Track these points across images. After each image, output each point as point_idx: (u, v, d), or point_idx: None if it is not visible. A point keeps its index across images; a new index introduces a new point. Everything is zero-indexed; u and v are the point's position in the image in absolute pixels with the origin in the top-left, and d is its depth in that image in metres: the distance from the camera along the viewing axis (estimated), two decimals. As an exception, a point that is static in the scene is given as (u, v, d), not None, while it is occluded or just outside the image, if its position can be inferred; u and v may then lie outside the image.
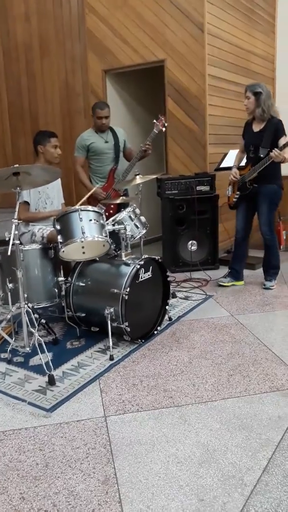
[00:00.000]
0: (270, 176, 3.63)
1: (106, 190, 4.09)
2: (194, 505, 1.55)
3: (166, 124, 3.95)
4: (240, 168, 3.84)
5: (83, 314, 2.95)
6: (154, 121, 3.91)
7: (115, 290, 2.73)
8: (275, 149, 3.41)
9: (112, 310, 2.71)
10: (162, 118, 3.92)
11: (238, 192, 3.81)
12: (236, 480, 1.66)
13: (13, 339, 2.80)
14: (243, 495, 1.59)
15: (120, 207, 3.96)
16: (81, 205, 3.41)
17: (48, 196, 3.41)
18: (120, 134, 4.17)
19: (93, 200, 4.01)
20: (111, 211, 4.00)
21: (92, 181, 4.20)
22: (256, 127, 3.65)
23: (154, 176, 3.66)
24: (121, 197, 3.60)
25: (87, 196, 3.57)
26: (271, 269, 3.91)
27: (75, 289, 2.97)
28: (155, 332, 3.01)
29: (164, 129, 3.93)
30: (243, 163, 3.90)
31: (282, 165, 3.67)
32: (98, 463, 1.79)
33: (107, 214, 2.97)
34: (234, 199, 3.86)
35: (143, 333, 2.95)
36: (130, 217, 3.13)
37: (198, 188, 4.42)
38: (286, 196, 5.75)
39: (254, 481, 1.65)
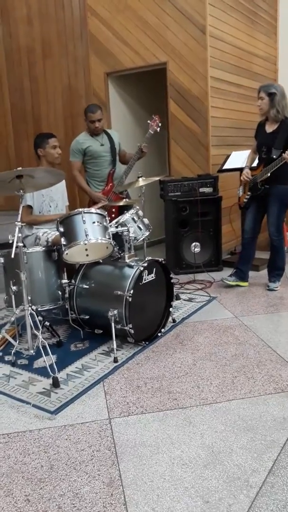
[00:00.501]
0: (281, 176, 3.62)
1: (106, 194, 4.08)
2: (199, 507, 1.55)
3: (160, 124, 3.93)
4: (252, 169, 3.83)
5: (87, 317, 2.95)
6: (148, 121, 3.92)
7: (119, 292, 2.73)
8: None
9: (116, 312, 2.71)
10: (156, 118, 3.91)
11: (249, 193, 3.80)
12: (242, 482, 1.65)
13: (17, 341, 2.80)
14: (249, 497, 1.58)
15: (123, 210, 3.96)
16: None
17: (52, 199, 3.41)
18: (114, 137, 4.16)
19: (94, 205, 4.02)
20: (112, 215, 4.00)
21: (90, 186, 4.18)
22: (270, 128, 3.64)
23: (157, 178, 3.66)
24: (124, 200, 3.60)
25: (97, 207, 3.55)
26: (275, 270, 3.90)
27: (78, 291, 2.98)
28: (159, 334, 3.01)
29: (158, 129, 3.92)
30: (255, 163, 3.89)
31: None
32: (102, 465, 1.79)
33: (109, 218, 2.97)
34: (245, 200, 3.85)
35: (147, 335, 2.95)
36: (133, 219, 3.14)
37: (201, 190, 4.41)
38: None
39: (260, 483, 1.64)
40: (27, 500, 1.63)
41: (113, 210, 4.04)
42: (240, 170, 4.13)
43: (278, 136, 3.53)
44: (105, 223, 2.91)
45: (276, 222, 3.72)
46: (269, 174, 3.58)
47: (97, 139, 4.08)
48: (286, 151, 3.40)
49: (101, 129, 4.07)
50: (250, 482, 1.65)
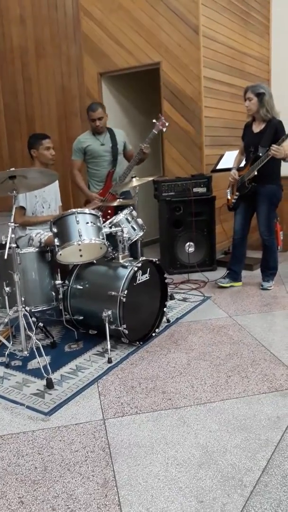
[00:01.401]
0: (269, 176, 3.64)
1: (104, 194, 4.06)
2: (193, 507, 1.55)
3: (167, 124, 3.85)
4: (239, 170, 3.85)
5: (81, 317, 2.94)
6: (154, 120, 3.83)
7: (113, 293, 2.73)
8: (273, 145, 3.41)
9: (110, 312, 2.71)
10: (163, 118, 3.85)
11: (237, 193, 3.82)
12: (236, 481, 1.66)
13: (11, 343, 2.79)
14: (243, 496, 1.58)
15: (118, 210, 3.95)
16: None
17: (45, 200, 3.40)
18: (119, 136, 4.09)
19: (89, 204, 4.00)
20: (108, 216, 3.99)
21: (90, 185, 4.16)
22: (257, 128, 3.67)
23: (151, 178, 3.66)
24: (117, 200, 3.60)
25: (91, 207, 3.54)
26: (268, 270, 3.91)
27: (72, 292, 2.97)
28: (153, 334, 3.01)
29: (164, 129, 3.85)
30: (242, 164, 3.91)
31: (282, 166, 3.68)
32: (97, 466, 1.78)
33: (104, 219, 2.96)
34: (234, 200, 3.86)
35: (141, 335, 2.95)
36: (127, 219, 3.13)
37: (195, 189, 4.42)
38: (284, 197, 5.78)
39: (254, 482, 1.64)
40: (20, 502, 1.62)
41: (109, 211, 4.03)
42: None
43: (265, 135, 3.56)
44: (98, 224, 2.90)
45: (267, 222, 3.74)
46: (256, 172, 3.60)
47: (98, 139, 4.02)
48: (271, 147, 3.42)
49: (103, 128, 3.99)
50: (244, 481, 1.65)
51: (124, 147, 4.15)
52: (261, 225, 3.76)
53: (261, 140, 3.56)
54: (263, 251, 3.88)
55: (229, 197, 3.95)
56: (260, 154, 3.54)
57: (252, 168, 3.61)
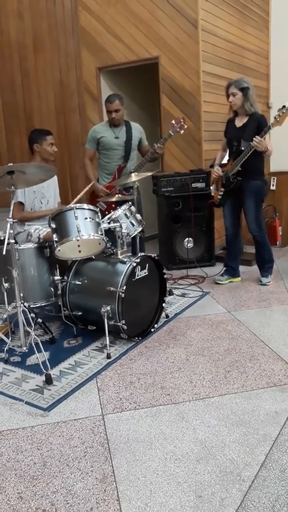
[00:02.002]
0: (253, 171, 3.65)
1: (110, 188, 4.00)
2: (192, 502, 1.56)
3: (185, 126, 3.77)
4: (222, 166, 3.85)
5: (80, 313, 2.94)
6: (172, 121, 3.76)
7: (112, 288, 2.73)
8: (256, 136, 3.41)
9: (108, 308, 2.71)
10: (182, 120, 3.77)
11: (222, 189, 3.82)
12: (234, 476, 1.66)
13: (10, 338, 2.79)
14: (241, 490, 1.59)
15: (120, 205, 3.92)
16: (77, 201, 3.40)
17: (44, 195, 3.39)
18: (135, 131, 4.01)
19: (94, 197, 3.97)
20: (111, 211, 3.96)
21: (99, 177, 4.09)
22: (239, 122, 3.68)
23: (150, 174, 3.63)
24: (116, 195, 3.58)
25: (83, 192, 3.51)
26: (265, 264, 3.91)
27: (71, 287, 2.97)
28: (152, 329, 3.01)
29: (182, 131, 3.76)
30: (225, 160, 3.91)
31: (275, 161, 3.67)
32: (96, 462, 1.79)
33: (107, 213, 2.93)
34: (219, 196, 3.86)
35: (140, 330, 2.95)
36: (125, 215, 3.12)
37: (194, 185, 4.41)
38: (282, 192, 5.78)
39: (252, 477, 1.65)
40: (20, 497, 1.63)
41: (113, 205, 3.99)
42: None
43: (247, 129, 3.57)
44: (97, 219, 2.90)
45: (255, 218, 3.74)
46: (239, 167, 3.59)
47: (114, 131, 3.94)
48: (254, 138, 3.41)
49: (119, 120, 3.91)
50: (242, 476, 1.66)
51: (140, 142, 4.07)
52: (250, 222, 3.76)
53: (244, 134, 3.57)
54: (256, 247, 3.88)
55: (213, 194, 3.95)
56: (243, 148, 3.54)
57: (236, 162, 3.61)
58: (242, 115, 3.65)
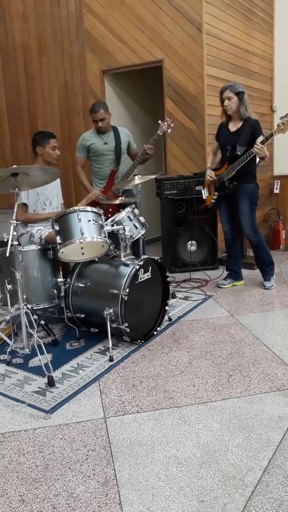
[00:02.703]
0: (247, 175, 3.66)
1: (106, 192, 4.05)
2: (194, 507, 1.55)
3: (172, 125, 3.86)
4: (215, 169, 3.84)
5: (83, 315, 2.94)
6: (159, 122, 3.85)
7: (114, 291, 2.72)
8: (257, 143, 3.41)
9: (111, 311, 2.71)
10: (168, 119, 3.87)
11: (216, 193, 3.82)
12: (237, 481, 1.65)
13: (13, 340, 2.79)
14: (244, 496, 1.58)
15: (120, 208, 3.94)
16: None
17: (47, 197, 3.40)
18: (123, 135, 4.07)
19: (92, 203, 3.99)
20: (109, 215, 3.97)
21: (92, 183, 4.16)
22: (233, 127, 3.68)
23: (153, 177, 3.65)
24: (119, 198, 3.59)
25: (84, 201, 3.54)
26: (266, 267, 3.90)
27: (74, 290, 2.97)
28: (155, 332, 3.01)
29: (169, 130, 3.86)
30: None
31: (278, 164, 3.67)
32: (98, 465, 1.78)
33: (105, 217, 2.95)
34: (213, 200, 3.87)
35: (142, 333, 2.95)
36: (129, 217, 3.12)
37: (197, 188, 4.41)
38: (285, 196, 5.78)
39: (255, 482, 1.64)
40: (21, 500, 1.62)
41: (111, 209, 4.02)
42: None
43: (242, 134, 3.57)
44: (100, 222, 2.90)
45: (250, 222, 3.74)
46: (235, 172, 3.59)
47: (102, 137, 4.01)
48: (255, 145, 3.41)
49: (106, 128, 3.98)
50: (245, 481, 1.65)
51: (128, 146, 4.13)
52: (245, 227, 3.75)
53: (239, 139, 3.57)
54: (254, 252, 3.87)
55: (205, 197, 3.96)
56: (239, 153, 3.54)
57: (233, 167, 3.60)
58: (236, 120, 3.66)
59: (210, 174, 3.81)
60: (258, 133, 3.54)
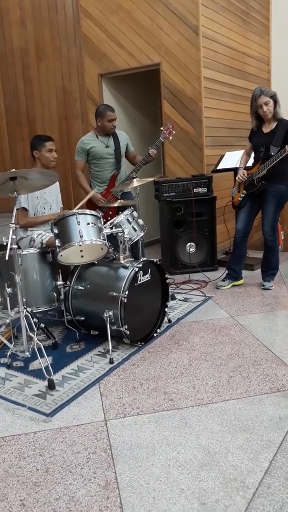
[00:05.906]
0: (279, 175, 3.64)
1: (106, 195, 4.05)
2: (195, 509, 1.54)
3: (174, 132, 3.91)
4: (247, 169, 3.84)
5: (82, 318, 2.94)
6: (161, 128, 3.90)
7: (114, 293, 2.72)
8: None
9: (111, 313, 2.70)
10: (170, 126, 3.89)
11: (244, 191, 3.81)
12: (238, 483, 1.65)
13: (13, 343, 2.79)
14: (245, 498, 1.57)
15: (119, 211, 3.94)
16: (78, 209, 3.41)
17: (46, 201, 3.40)
18: (122, 138, 4.09)
19: (91, 206, 3.99)
20: (109, 218, 3.97)
21: (92, 186, 4.16)
22: (267, 129, 3.66)
23: (152, 179, 3.65)
24: (118, 201, 3.59)
25: (84, 200, 3.55)
26: (270, 270, 3.90)
27: (74, 292, 2.97)
28: (155, 334, 3.01)
29: (171, 137, 3.90)
30: (249, 163, 3.90)
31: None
32: (98, 468, 1.78)
33: (105, 220, 2.96)
34: (240, 198, 3.85)
35: (142, 335, 2.94)
36: (128, 220, 3.13)
37: (196, 190, 4.42)
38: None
39: (256, 484, 1.64)
40: (22, 504, 1.61)
41: (110, 212, 4.02)
42: (234, 170, 4.13)
43: (276, 135, 3.56)
44: (99, 224, 2.90)
45: (272, 222, 3.74)
46: (265, 171, 3.60)
47: (103, 141, 4.01)
48: (287, 145, 3.41)
49: (114, 130, 4.02)
50: (246, 483, 1.65)
51: (127, 149, 4.15)
52: (266, 225, 3.75)
53: (273, 140, 3.56)
54: (265, 251, 3.87)
55: (233, 195, 3.95)
56: (272, 153, 3.54)
57: (264, 166, 3.59)
58: (269, 121, 3.64)
59: (242, 174, 3.80)
60: None
